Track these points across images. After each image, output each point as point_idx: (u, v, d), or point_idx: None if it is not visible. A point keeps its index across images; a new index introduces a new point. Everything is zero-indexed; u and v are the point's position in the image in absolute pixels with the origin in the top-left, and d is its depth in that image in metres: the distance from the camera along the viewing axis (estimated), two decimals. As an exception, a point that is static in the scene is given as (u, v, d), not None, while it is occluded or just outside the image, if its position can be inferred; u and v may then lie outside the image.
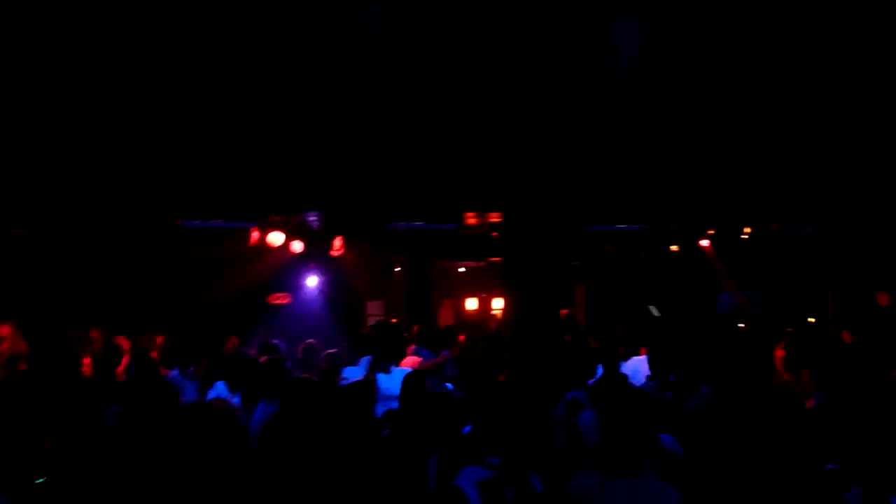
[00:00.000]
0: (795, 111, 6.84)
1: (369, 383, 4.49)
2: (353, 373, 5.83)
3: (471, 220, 8.10)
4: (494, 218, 8.55)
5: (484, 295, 14.43)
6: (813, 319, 8.98)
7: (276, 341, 6.71)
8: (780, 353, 6.43)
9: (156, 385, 3.49)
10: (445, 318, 13.58)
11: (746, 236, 8.90)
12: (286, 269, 10.15)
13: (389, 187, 7.42)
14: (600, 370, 5.86)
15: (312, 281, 10.49)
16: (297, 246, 8.59)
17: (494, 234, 8.90)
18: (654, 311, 10.08)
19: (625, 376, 5.52)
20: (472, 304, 14.33)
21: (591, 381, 5.86)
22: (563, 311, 8.91)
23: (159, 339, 7.73)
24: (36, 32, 4.88)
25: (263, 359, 4.90)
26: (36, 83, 5.37)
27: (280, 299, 11.07)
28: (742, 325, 9.13)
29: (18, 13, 4.69)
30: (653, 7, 5.35)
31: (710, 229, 9.13)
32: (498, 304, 14.79)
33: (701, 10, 5.58)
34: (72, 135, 5.85)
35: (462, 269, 13.85)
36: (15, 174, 6.30)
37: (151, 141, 6.04)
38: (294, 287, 10.52)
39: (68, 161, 6.15)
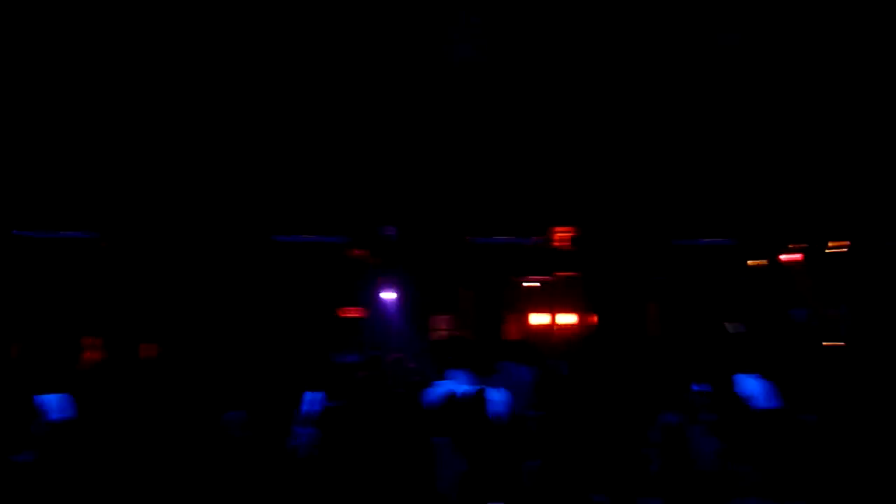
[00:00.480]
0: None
1: (479, 396, 4.48)
2: (452, 386, 5.84)
3: (553, 233, 8.05)
4: (569, 232, 8.48)
5: (549, 309, 14.26)
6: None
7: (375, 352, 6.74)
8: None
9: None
10: (511, 333, 13.48)
11: (832, 250, 8.57)
12: (361, 283, 10.27)
13: (467, 202, 7.45)
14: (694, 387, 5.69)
15: (388, 294, 10.57)
16: (374, 259, 8.70)
17: (569, 248, 8.82)
18: (731, 329, 9.77)
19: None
20: (537, 319, 14.19)
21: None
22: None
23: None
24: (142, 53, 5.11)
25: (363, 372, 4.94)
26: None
27: (353, 312, 11.19)
28: (834, 342, 8.77)
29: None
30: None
31: (794, 244, 8.83)
32: (564, 319, 14.63)
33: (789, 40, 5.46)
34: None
35: (528, 285, 13.74)
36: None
37: (228, 159, 6.24)
38: (368, 301, 10.62)
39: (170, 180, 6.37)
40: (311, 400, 5.12)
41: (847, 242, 8.49)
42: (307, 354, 7.39)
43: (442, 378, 6.54)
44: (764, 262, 9.33)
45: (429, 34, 5.24)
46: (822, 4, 5.24)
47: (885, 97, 6.25)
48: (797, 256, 9.09)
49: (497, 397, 5.13)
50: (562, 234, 8.11)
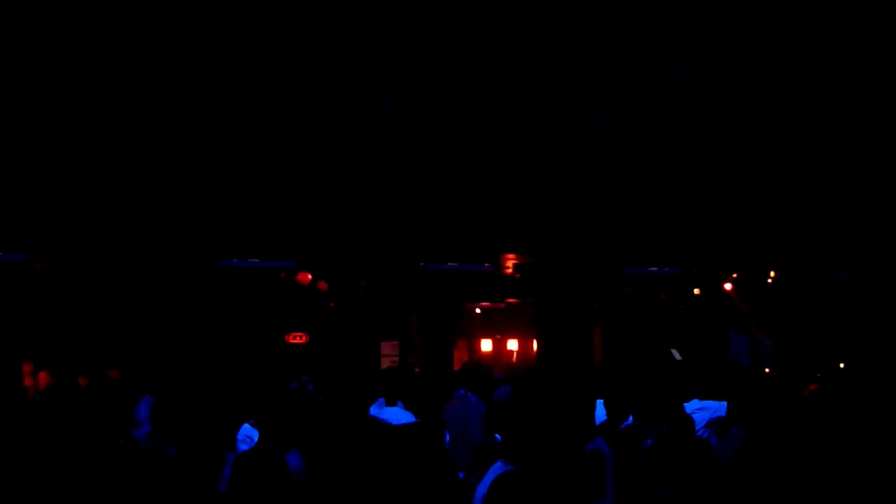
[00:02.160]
0: (823, 161, 6.95)
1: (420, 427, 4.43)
2: (394, 415, 5.78)
3: (504, 261, 8.13)
4: (517, 259, 8.60)
5: (498, 336, 14.38)
6: (842, 364, 8.95)
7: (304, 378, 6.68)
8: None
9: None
10: (460, 359, 13.51)
11: (771, 280, 8.92)
12: (305, 309, 10.15)
13: (418, 229, 7.48)
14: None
15: (338, 320, 10.47)
16: (321, 285, 8.63)
17: (517, 275, 8.93)
18: (677, 355, 10.02)
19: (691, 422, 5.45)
20: (487, 345, 14.28)
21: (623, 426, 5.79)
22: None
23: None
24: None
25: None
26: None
27: (297, 339, 11.05)
28: (767, 370, 9.07)
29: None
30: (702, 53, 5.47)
31: (735, 273, 9.15)
32: (513, 345, 14.76)
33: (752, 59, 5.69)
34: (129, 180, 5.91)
35: (478, 311, 13.84)
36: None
37: (187, 179, 6.12)
38: (312, 327, 10.51)
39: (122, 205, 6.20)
40: (246, 433, 4.99)
41: (775, 273, 8.85)
42: (249, 381, 7.24)
43: (388, 405, 6.49)
44: (707, 290, 9.64)
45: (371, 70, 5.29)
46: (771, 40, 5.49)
47: (823, 134, 6.56)
48: (732, 286, 9.43)
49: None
50: (512, 262, 8.21)
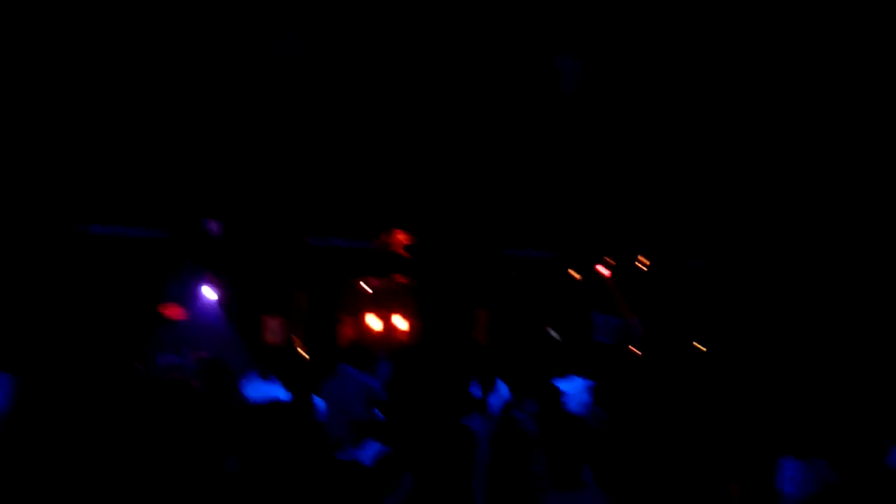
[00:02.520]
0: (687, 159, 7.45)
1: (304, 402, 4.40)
2: (275, 391, 5.70)
3: (386, 237, 8.14)
4: (408, 237, 8.63)
5: (387, 314, 14.39)
6: (698, 344, 9.69)
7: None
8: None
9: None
10: (346, 336, 13.43)
11: (641, 266, 9.48)
12: (183, 280, 9.69)
13: (302, 201, 7.33)
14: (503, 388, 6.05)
15: (210, 293, 10.07)
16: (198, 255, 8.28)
17: (405, 253, 8.97)
18: (554, 335, 10.46)
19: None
20: (374, 322, 14.25)
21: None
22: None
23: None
24: None
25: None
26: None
27: (174, 312, 10.54)
28: (631, 348, 9.69)
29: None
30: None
31: (609, 258, 9.65)
32: (400, 322, 14.84)
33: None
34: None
35: (366, 288, 13.75)
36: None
37: (33, 141, 5.67)
38: (190, 301, 10.06)
39: None
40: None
41: (649, 260, 9.44)
42: (116, 357, 6.89)
43: (268, 382, 6.39)
44: (582, 273, 10.12)
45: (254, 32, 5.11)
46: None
47: (699, 125, 6.99)
48: (609, 271, 9.96)
49: (321, 404, 5.10)
50: (399, 239, 8.23)
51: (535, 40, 5.85)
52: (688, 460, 4.09)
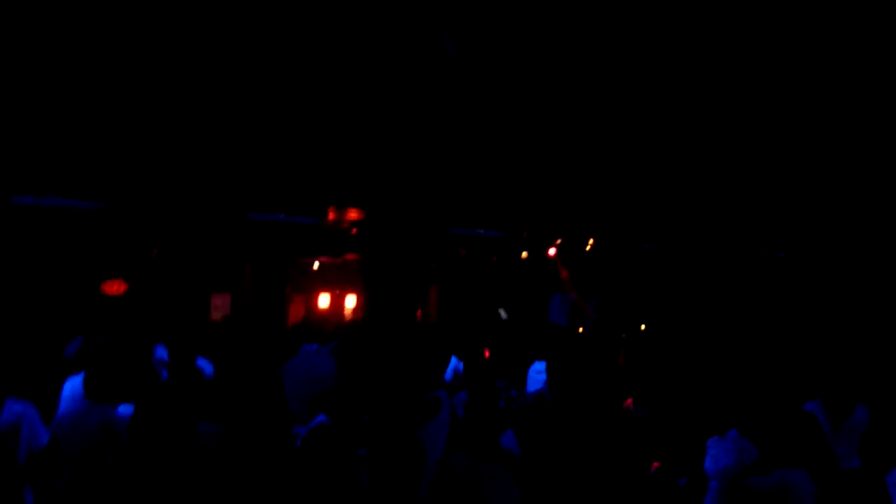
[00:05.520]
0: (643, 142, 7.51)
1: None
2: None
3: (333, 214, 8.01)
4: (356, 214, 8.52)
5: (337, 292, 14.26)
6: (644, 326, 9.88)
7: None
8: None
9: None
10: (296, 314, 13.28)
11: (589, 248, 9.59)
12: (123, 255, 9.39)
13: (248, 175, 7.14)
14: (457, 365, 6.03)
15: (158, 269, 9.77)
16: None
17: (354, 230, 8.85)
18: (503, 314, 10.53)
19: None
20: (324, 300, 14.12)
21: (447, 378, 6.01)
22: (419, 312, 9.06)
23: None
24: None
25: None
26: None
27: (115, 288, 10.21)
28: (580, 330, 9.81)
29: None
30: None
31: (558, 239, 9.72)
32: (351, 301, 14.73)
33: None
34: None
35: (315, 265, 13.59)
36: None
37: None
38: (132, 276, 9.75)
39: None
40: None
41: (593, 241, 9.55)
42: (51, 337, 6.62)
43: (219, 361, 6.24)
44: (533, 254, 10.19)
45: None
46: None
47: (649, 100, 7.01)
48: (555, 251, 10.06)
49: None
50: (347, 216, 8.12)
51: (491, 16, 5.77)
52: (618, 441, 4.14)
